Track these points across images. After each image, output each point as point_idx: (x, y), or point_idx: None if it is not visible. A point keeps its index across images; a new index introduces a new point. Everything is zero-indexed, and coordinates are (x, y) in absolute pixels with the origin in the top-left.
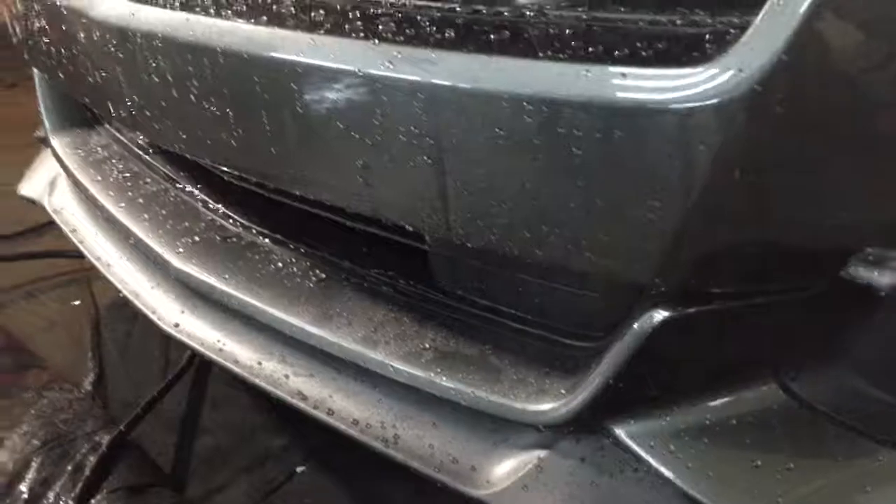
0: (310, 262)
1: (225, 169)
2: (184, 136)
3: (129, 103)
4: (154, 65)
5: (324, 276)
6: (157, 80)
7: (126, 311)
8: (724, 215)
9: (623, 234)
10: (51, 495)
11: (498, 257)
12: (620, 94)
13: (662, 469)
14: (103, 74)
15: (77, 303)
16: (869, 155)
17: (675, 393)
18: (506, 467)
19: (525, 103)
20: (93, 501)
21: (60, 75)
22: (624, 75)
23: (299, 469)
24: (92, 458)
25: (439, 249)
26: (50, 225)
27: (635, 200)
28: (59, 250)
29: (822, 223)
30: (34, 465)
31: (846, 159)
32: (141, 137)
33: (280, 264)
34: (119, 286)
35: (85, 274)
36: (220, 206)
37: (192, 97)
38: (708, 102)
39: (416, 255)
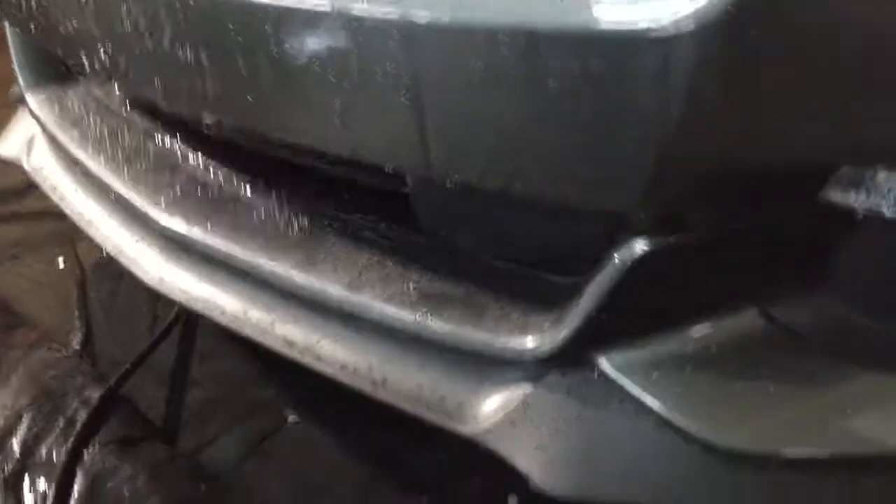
0: (292, 210)
1: (203, 119)
2: (159, 87)
3: (102, 54)
4: (126, 12)
5: (307, 223)
6: (129, 28)
7: (112, 270)
8: (702, 141)
9: (603, 164)
10: (43, 449)
11: (479, 195)
12: (597, 23)
13: (646, 399)
14: (76, 25)
15: (62, 263)
16: (843, 73)
17: (657, 323)
18: (493, 404)
19: (501, 35)
20: (85, 455)
21: (32, 28)
22: (599, 3)
23: (290, 419)
24: (83, 413)
25: (420, 191)
26: (31, 187)
27: (615, 130)
28: (42, 211)
29: (799, 144)
30: (25, 420)
31: (821, 79)
32: (118, 91)
33: (263, 214)
34: (102, 243)
35: (69, 234)
36: (200, 158)
37: (165, 45)
38: (683, 28)
39: (397, 199)
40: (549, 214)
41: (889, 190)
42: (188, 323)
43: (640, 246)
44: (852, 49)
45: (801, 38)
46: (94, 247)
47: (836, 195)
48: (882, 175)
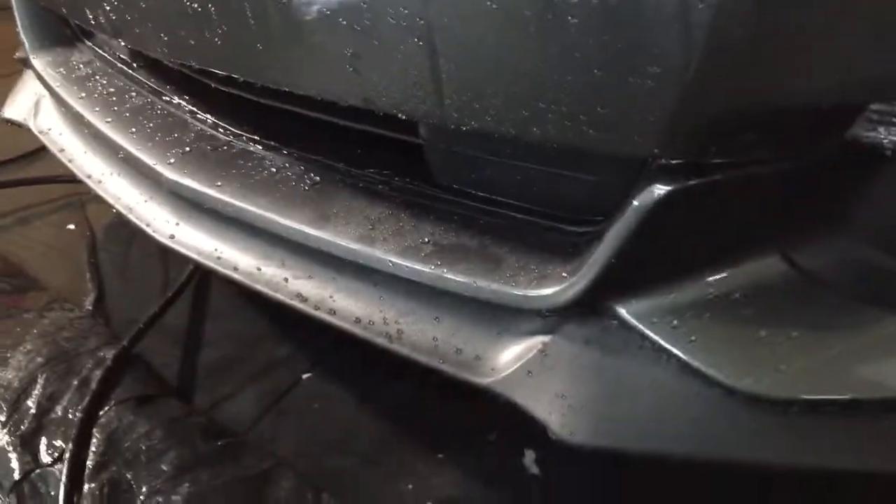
0: (304, 165)
1: (212, 72)
2: (166, 39)
3: (107, 8)
4: None
5: (318, 178)
6: None
7: (122, 232)
8: (725, 76)
9: (622, 104)
10: (58, 409)
11: (494, 143)
12: None
13: (667, 345)
14: None
15: (72, 226)
16: (872, 6)
17: (677, 269)
18: (510, 354)
19: None
20: (101, 413)
21: None
22: None
23: (305, 375)
24: (98, 373)
25: (434, 141)
26: (39, 151)
27: (634, 67)
28: (52, 176)
29: (826, 79)
30: (40, 381)
31: (849, 12)
32: (123, 49)
33: (274, 169)
34: (112, 202)
35: (79, 197)
36: (208, 115)
37: None
38: None
39: (411, 152)
40: (567, 161)
41: None
42: (201, 282)
43: (659, 190)
44: None
45: None
46: (105, 209)
47: (865, 132)
48: None
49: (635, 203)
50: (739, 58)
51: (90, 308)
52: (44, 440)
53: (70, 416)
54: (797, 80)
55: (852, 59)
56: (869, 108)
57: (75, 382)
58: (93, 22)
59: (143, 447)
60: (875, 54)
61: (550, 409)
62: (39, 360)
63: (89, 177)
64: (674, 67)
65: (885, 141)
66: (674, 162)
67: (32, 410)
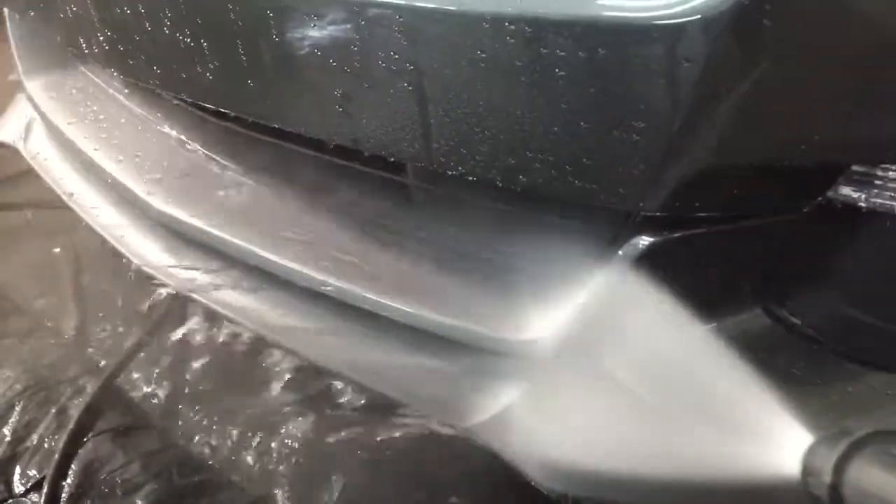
0: (292, 198)
1: (202, 105)
2: (159, 72)
3: (101, 38)
4: None
5: (306, 212)
6: (129, 12)
7: (108, 258)
8: (709, 135)
9: (607, 156)
10: (34, 437)
11: (480, 187)
12: (604, 12)
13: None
14: (74, 9)
15: (58, 250)
16: (855, 70)
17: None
18: (489, 398)
19: (507, 23)
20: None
21: (31, 12)
22: None
23: (286, 411)
24: (76, 402)
25: (421, 183)
26: (27, 174)
27: (619, 121)
28: (38, 199)
29: (809, 141)
30: (17, 408)
31: (833, 75)
32: (115, 77)
33: (261, 201)
34: (97, 227)
35: (65, 222)
36: (198, 145)
37: (165, 30)
38: (693, 18)
39: (397, 191)
40: (553, 208)
41: None
42: (183, 313)
43: (644, 240)
44: (864, 46)
45: (813, 32)
46: (91, 234)
47: (846, 193)
48: (892, 173)
49: (619, 253)
50: (723, 116)
51: (72, 334)
52: (18, 469)
53: (46, 445)
54: (778, 140)
55: (835, 122)
56: (851, 168)
57: (53, 411)
58: (86, 51)
59: (120, 480)
60: (857, 118)
61: (527, 455)
62: (18, 387)
63: (75, 201)
64: (658, 123)
65: (864, 201)
66: (658, 214)
67: (7, 438)
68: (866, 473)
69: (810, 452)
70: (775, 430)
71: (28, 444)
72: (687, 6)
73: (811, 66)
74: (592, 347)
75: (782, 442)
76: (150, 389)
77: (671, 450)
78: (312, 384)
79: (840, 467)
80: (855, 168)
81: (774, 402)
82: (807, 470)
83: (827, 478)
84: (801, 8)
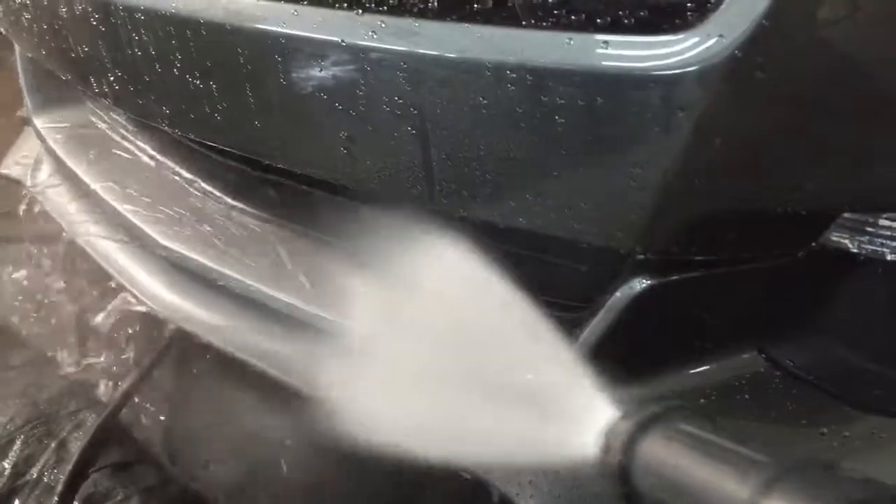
0: (296, 238)
1: (210, 144)
2: (167, 111)
3: (111, 78)
4: (136, 38)
5: (307, 249)
6: (139, 53)
7: (111, 292)
8: (704, 182)
9: (605, 201)
10: (34, 471)
11: (481, 228)
12: (602, 62)
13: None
14: (85, 49)
15: (61, 284)
16: (847, 120)
17: (657, 362)
18: None
19: (508, 72)
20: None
21: (42, 51)
22: (606, 43)
23: (286, 445)
24: (76, 436)
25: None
26: (32, 208)
27: (617, 168)
28: (43, 234)
29: (801, 189)
30: (17, 443)
31: (825, 125)
32: (124, 115)
33: (265, 241)
34: (101, 262)
35: (69, 256)
36: (206, 184)
37: (174, 71)
38: (689, 69)
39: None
40: (552, 250)
41: (891, 235)
42: (184, 346)
43: (640, 283)
44: (857, 96)
45: (804, 83)
46: (94, 268)
47: (839, 239)
48: (884, 221)
49: (617, 295)
50: (717, 163)
51: (73, 368)
52: (17, 503)
53: (45, 479)
54: (771, 187)
55: (826, 171)
56: (842, 216)
57: (53, 445)
58: (95, 90)
59: None
60: (847, 167)
61: (520, 492)
62: (18, 421)
63: (81, 237)
64: (654, 169)
65: (858, 248)
66: (655, 257)
67: (7, 472)
68: (655, 452)
69: (609, 430)
70: (582, 408)
71: (28, 478)
72: (682, 58)
73: (802, 117)
74: None
75: (588, 421)
76: (150, 424)
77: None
78: (317, 417)
79: (629, 445)
80: (846, 216)
81: (585, 380)
82: (603, 448)
83: (617, 457)
84: (792, 60)
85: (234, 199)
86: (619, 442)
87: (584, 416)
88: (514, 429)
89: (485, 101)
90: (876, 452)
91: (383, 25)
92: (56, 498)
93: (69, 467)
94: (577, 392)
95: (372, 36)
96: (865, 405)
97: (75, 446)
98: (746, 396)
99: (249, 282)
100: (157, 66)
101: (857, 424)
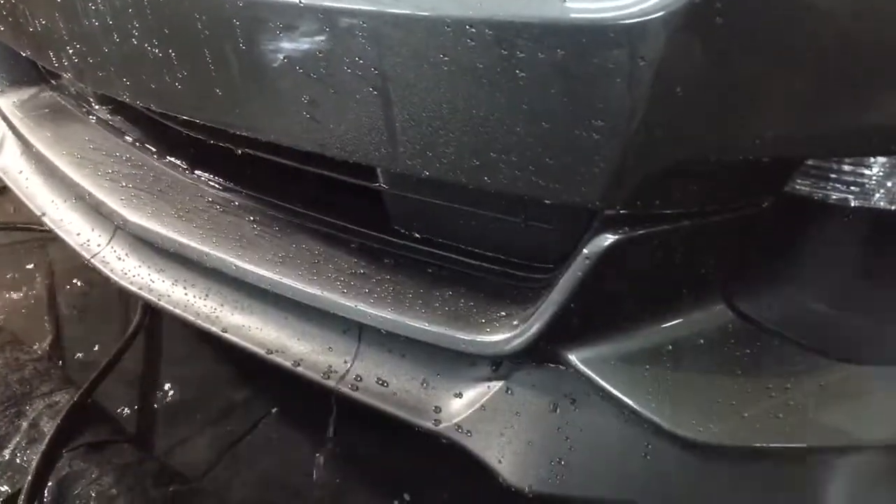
0: (262, 208)
1: (172, 115)
2: (128, 83)
3: (71, 52)
4: (94, 9)
5: (276, 221)
6: (97, 24)
7: (83, 274)
8: (667, 133)
9: (569, 156)
10: (6, 453)
11: (449, 190)
12: (562, 14)
13: (617, 393)
14: (43, 23)
15: (31, 266)
16: (806, 65)
17: (627, 317)
18: (462, 400)
19: (468, 26)
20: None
21: (0, 28)
22: None
23: (262, 421)
24: (48, 417)
25: (390, 187)
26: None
27: (580, 121)
28: (11, 217)
29: (763, 136)
30: None
31: (785, 70)
32: (88, 91)
33: (233, 213)
34: (69, 241)
35: (39, 238)
36: (168, 156)
37: (133, 41)
38: (648, 17)
39: (370, 198)
40: (520, 211)
41: (854, 181)
42: (154, 325)
43: (607, 238)
44: (816, 41)
45: (763, 29)
46: (65, 251)
47: (803, 187)
48: (847, 167)
49: (584, 252)
50: (679, 113)
51: (46, 349)
52: None
53: (18, 460)
54: (734, 136)
55: (787, 117)
56: (805, 163)
57: (25, 426)
58: (56, 65)
59: (94, 493)
60: (808, 113)
61: (500, 456)
62: None
63: (48, 216)
64: (617, 122)
65: (822, 195)
66: (621, 212)
67: None
68: None
69: None
70: None
71: (0, 459)
72: (640, 7)
73: (762, 63)
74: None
75: None
76: (124, 403)
77: None
78: (287, 393)
79: None
80: (809, 162)
81: None
82: None
83: None
84: (751, 6)
85: (202, 171)
86: None
87: None
88: None
89: (445, 59)
90: (847, 402)
91: None
92: (29, 478)
93: (42, 448)
94: None
95: None
96: (836, 354)
97: (48, 426)
98: (716, 349)
99: (220, 255)
100: (115, 36)
101: (827, 374)
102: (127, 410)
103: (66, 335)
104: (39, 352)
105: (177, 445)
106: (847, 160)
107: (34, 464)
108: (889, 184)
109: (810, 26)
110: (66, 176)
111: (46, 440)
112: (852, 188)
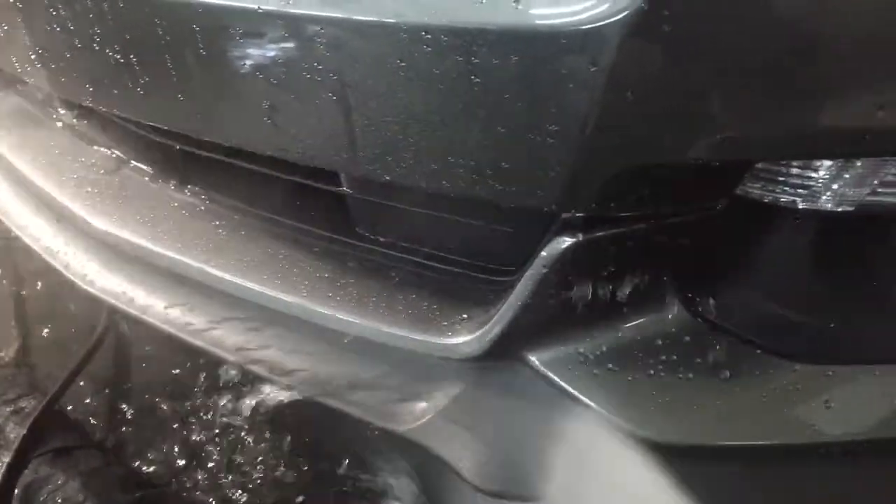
0: (227, 213)
1: (135, 121)
2: (90, 88)
3: (32, 56)
4: (55, 14)
5: (238, 224)
6: (59, 29)
7: (49, 277)
8: (620, 137)
9: (524, 160)
10: None
11: (410, 194)
12: (515, 20)
13: (577, 393)
14: (5, 27)
15: None
16: (752, 70)
17: (585, 319)
18: (426, 402)
19: (423, 33)
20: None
21: None
22: (517, 1)
23: (227, 424)
24: (14, 423)
25: (353, 191)
26: None
27: (534, 125)
28: None
29: (713, 140)
30: None
31: (731, 75)
32: (54, 96)
33: (197, 217)
34: (34, 245)
35: (4, 243)
36: (134, 161)
37: (94, 45)
38: (599, 24)
39: (330, 202)
40: (480, 212)
41: (802, 184)
42: (121, 330)
43: (564, 241)
44: (762, 47)
45: (711, 34)
46: (31, 255)
47: (753, 189)
48: (795, 170)
49: (543, 254)
50: (631, 119)
51: (12, 356)
52: None
53: None
54: (685, 140)
55: (735, 121)
56: (755, 166)
57: None
58: (19, 70)
59: (60, 500)
60: (756, 116)
61: (463, 456)
62: None
63: (13, 221)
64: (570, 126)
65: (769, 197)
66: (577, 215)
67: None
68: None
69: None
70: None
71: None
72: (591, 13)
73: (709, 69)
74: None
75: None
76: (91, 408)
77: None
78: (254, 396)
79: None
80: (759, 166)
81: None
82: None
83: None
84: (698, 13)
85: (168, 176)
86: None
87: None
88: None
89: (402, 64)
90: (803, 401)
91: None
92: None
93: (9, 455)
94: None
95: (288, 1)
96: (790, 355)
97: (15, 433)
98: (673, 350)
99: (186, 260)
100: (77, 41)
101: (783, 374)
102: (94, 416)
103: (33, 340)
104: (6, 357)
105: (144, 451)
106: (795, 163)
107: (0, 471)
108: (835, 186)
109: (756, 32)
110: (31, 181)
111: (13, 448)
112: (800, 190)
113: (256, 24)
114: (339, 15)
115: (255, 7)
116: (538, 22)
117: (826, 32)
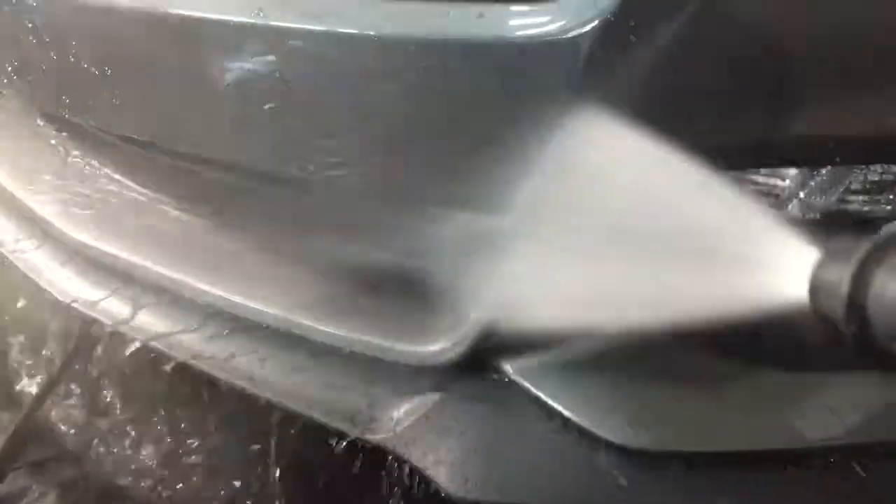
0: (202, 223)
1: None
2: (66, 100)
3: (9, 68)
4: (30, 27)
5: (212, 234)
6: (34, 42)
7: (24, 288)
8: None
9: (494, 168)
10: None
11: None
12: (479, 32)
13: (550, 401)
14: None
15: None
16: (717, 80)
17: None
18: (400, 410)
19: (386, 44)
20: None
21: None
22: (482, 14)
23: (206, 436)
24: None
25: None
26: None
27: (497, 133)
28: None
29: (681, 147)
30: None
31: (697, 85)
32: (30, 105)
33: (170, 224)
34: (11, 257)
35: None
36: (108, 170)
37: (70, 58)
38: (565, 36)
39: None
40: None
41: (769, 192)
42: (98, 341)
43: None
44: (726, 57)
45: (676, 45)
46: (5, 265)
47: None
48: (762, 178)
49: None
50: None
51: None
52: None
53: None
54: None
55: (701, 130)
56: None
57: None
58: None
59: None
60: (722, 125)
61: (439, 466)
62: None
63: None
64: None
65: None
66: None
67: None
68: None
69: (819, 268)
70: (774, 252)
71: None
72: (557, 25)
73: (676, 79)
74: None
75: (783, 264)
76: (68, 420)
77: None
78: (229, 406)
79: (859, 275)
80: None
81: (770, 223)
82: (815, 287)
83: (844, 288)
84: (663, 24)
85: (142, 185)
86: (847, 274)
87: (780, 261)
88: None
89: (369, 76)
90: (773, 407)
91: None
92: None
93: None
94: (767, 238)
95: (258, 14)
96: (761, 362)
97: None
98: (645, 357)
99: (158, 269)
100: (53, 54)
101: (753, 381)
102: (71, 428)
103: (10, 352)
104: None
105: (121, 463)
106: (762, 171)
107: None
108: (801, 194)
109: (719, 43)
110: (4, 189)
111: None
112: (768, 198)
113: (227, 36)
114: (304, 26)
115: (227, 18)
116: (505, 34)
117: (790, 42)
